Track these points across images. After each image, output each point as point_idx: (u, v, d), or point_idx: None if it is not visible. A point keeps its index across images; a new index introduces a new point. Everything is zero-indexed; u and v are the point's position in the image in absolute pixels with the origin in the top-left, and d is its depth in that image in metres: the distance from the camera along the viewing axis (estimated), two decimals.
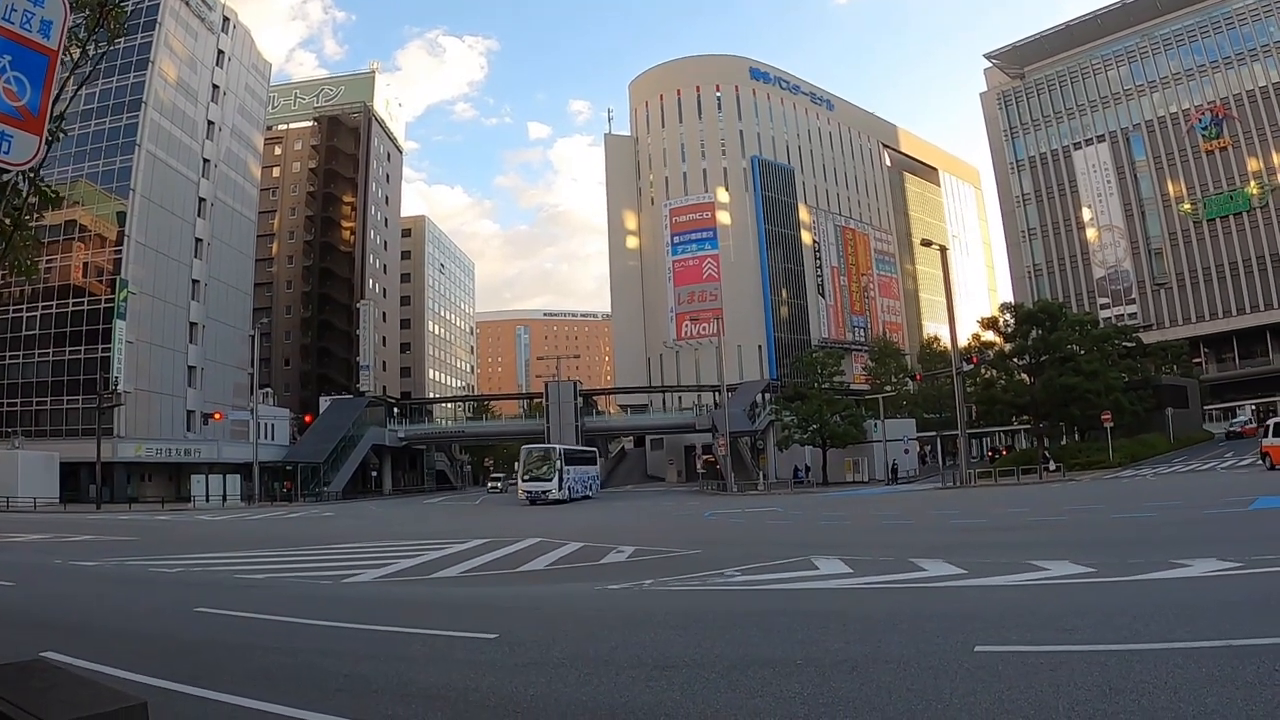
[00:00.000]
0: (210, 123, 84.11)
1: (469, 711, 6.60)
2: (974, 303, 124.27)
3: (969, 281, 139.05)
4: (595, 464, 70.76)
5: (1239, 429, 70.36)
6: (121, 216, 72.96)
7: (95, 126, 73.13)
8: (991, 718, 5.68)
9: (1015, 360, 60.62)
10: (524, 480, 56.26)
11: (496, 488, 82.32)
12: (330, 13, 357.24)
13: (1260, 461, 38.59)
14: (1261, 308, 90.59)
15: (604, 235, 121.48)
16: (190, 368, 78.83)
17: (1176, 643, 7.35)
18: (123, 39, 13.31)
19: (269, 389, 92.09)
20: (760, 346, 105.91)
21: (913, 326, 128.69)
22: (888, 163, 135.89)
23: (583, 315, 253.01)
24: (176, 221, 77.79)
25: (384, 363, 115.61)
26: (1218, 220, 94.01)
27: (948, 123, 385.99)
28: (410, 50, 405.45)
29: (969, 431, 62.02)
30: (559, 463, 56.29)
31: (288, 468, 75.17)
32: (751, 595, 12.70)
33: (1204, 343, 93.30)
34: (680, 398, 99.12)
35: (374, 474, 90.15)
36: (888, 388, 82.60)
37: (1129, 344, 69.02)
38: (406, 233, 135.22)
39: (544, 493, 54.34)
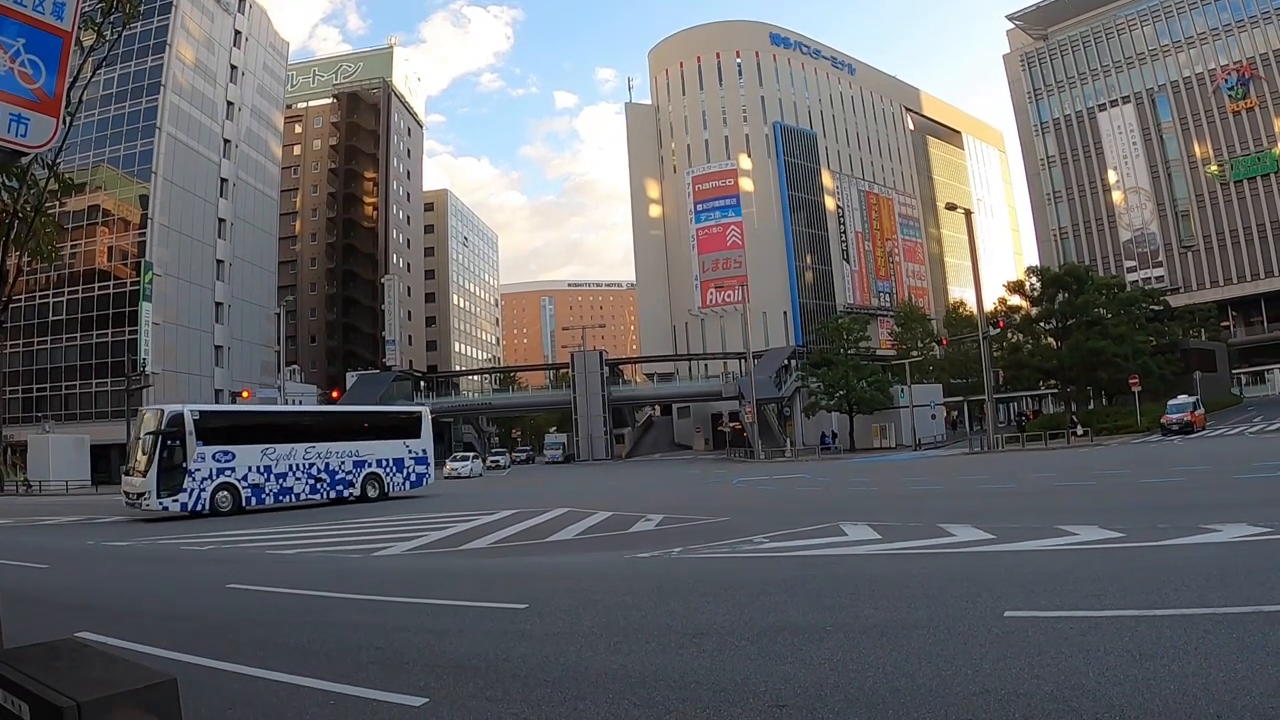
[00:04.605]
0: (230, 103, 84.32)
1: (500, 681, 6.62)
2: (999, 266, 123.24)
3: (994, 245, 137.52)
4: (415, 435, 37.14)
5: (1181, 418, 48.46)
6: (144, 199, 73.39)
7: (115, 111, 73.51)
8: (1022, 683, 5.67)
9: (1042, 324, 60.19)
10: (127, 474, 30.35)
11: (496, 463, 77.80)
12: None
13: None
14: None
15: (630, 204, 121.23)
16: (217, 347, 79.40)
17: (1206, 609, 7.30)
18: (139, 22, 13.34)
19: (296, 366, 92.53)
20: (785, 313, 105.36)
21: (938, 291, 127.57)
22: (910, 126, 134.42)
23: (607, 285, 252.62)
24: (199, 202, 78.15)
25: (409, 337, 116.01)
26: (1245, 182, 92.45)
27: (971, 86, 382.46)
28: (434, 22, 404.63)
29: (996, 396, 61.68)
30: (169, 443, 28.88)
31: None
32: (780, 562, 12.70)
33: (1232, 306, 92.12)
34: (706, 365, 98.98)
35: None
36: (914, 353, 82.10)
37: (1156, 307, 68.31)
38: (429, 207, 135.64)
39: (139, 496, 28.79)
